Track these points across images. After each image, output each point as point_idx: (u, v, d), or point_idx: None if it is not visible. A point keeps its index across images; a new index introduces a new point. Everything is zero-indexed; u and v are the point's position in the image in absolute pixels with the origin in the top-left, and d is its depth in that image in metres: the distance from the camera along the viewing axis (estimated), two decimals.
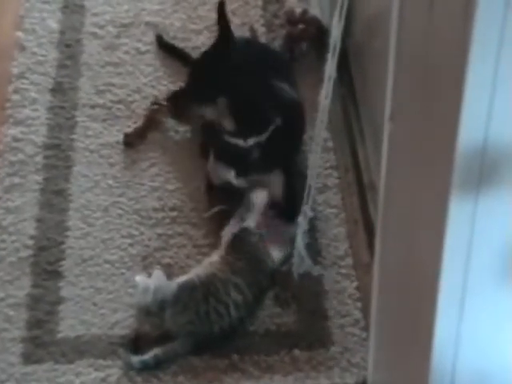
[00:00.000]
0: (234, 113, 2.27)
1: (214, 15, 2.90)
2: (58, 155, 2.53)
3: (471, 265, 1.28)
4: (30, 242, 2.32)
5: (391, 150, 1.59)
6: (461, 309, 1.33)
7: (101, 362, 2.09)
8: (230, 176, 2.35)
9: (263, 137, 2.29)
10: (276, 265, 2.20)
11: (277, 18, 2.90)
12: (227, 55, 2.25)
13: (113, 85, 2.71)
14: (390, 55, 1.52)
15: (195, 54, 2.71)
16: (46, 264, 2.28)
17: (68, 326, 2.16)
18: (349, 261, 2.29)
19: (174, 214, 2.39)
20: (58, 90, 2.70)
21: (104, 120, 2.63)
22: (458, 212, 1.23)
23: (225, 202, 2.36)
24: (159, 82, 2.72)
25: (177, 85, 2.66)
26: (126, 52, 2.81)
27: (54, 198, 2.43)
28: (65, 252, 2.31)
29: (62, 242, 2.33)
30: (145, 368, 2.05)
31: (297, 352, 2.11)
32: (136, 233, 2.35)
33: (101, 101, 2.67)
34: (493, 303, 1.34)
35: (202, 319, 2.07)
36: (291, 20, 2.80)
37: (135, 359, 2.05)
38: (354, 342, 2.13)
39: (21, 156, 2.52)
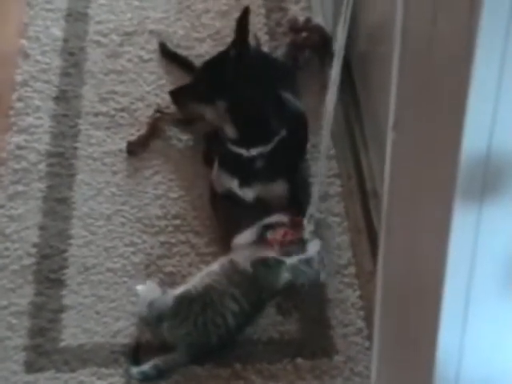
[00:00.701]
0: (235, 119, 2.27)
1: (217, 23, 2.93)
2: (61, 163, 2.53)
3: (475, 274, 1.28)
4: (33, 250, 2.32)
5: (394, 158, 1.59)
6: (464, 318, 1.33)
7: (103, 370, 2.09)
8: (234, 185, 2.34)
9: (267, 148, 2.29)
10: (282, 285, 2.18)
11: (280, 26, 2.91)
12: (237, 61, 2.25)
13: (116, 93, 2.72)
14: (394, 63, 1.51)
15: (198, 62, 2.71)
16: (49, 272, 2.28)
17: (70, 334, 2.16)
18: (352, 269, 2.28)
19: (177, 222, 2.39)
20: (61, 97, 2.70)
21: (107, 128, 2.63)
22: (462, 220, 1.23)
23: (228, 210, 2.36)
24: (162, 90, 2.72)
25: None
26: (130, 60, 2.82)
27: (57, 205, 2.43)
28: (67, 260, 2.31)
29: (65, 250, 2.33)
30: (145, 379, 2.04)
31: (300, 361, 2.11)
32: (139, 241, 2.35)
33: (104, 109, 2.67)
34: (496, 312, 1.33)
35: (200, 330, 2.06)
36: (294, 28, 2.81)
37: (135, 370, 2.05)
38: (356, 351, 2.13)
39: (24, 164, 2.52)
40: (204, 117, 2.38)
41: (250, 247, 2.19)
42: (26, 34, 2.89)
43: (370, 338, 2.10)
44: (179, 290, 2.13)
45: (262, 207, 2.33)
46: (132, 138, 2.59)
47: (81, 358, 2.12)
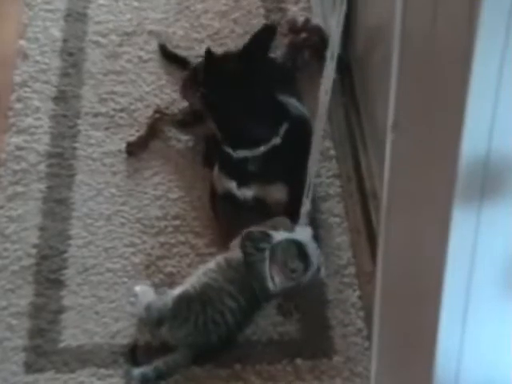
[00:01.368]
0: (216, 121, 2.28)
1: (216, 24, 2.92)
2: (60, 164, 2.53)
3: (474, 275, 1.28)
4: (33, 251, 2.32)
5: (394, 159, 1.59)
6: (464, 319, 1.33)
7: (103, 371, 2.09)
8: (232, 186, 2.34)
9: (256, 152, 2.27)
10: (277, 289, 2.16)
11: (279, 26, 2.90)
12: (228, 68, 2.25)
13: (115, 93, 2.72)
14: (393, 64, 1.51)
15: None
16: (49, 273, 2.28)
17: (70, 335, 2.16)
18: (351, 270, 2.29)
19: (177, 222, 2.39)
20: (60, 98, 2.70)
21: (106, 128, 2.63)
22: (461, 222, 1.23)
23: (228, 211, 2.36)
24: (162, 90, 2.72)
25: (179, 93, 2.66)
26: (129, 60, 2.82)
27: (57, 206, 2.43)
28: (67, 261, 2.31)
29: (65, 251, 2.33)
30: (145, 381, 2.04)
31: (299, 361, 2.11)
32: (138, 241, 2.35)
33: (103, 109, 2.67)
34: (496, 314, 1.33)
35: (200, 330, 2.06)
36: (294, 29, 2.80)
37: (136, 371, 2.05)
38: (356, 352, 2.13)
39: (23, 165, 2.52)
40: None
41: None
42: (25, 34, 2.88)
43: (369, 338, 2.10)
44: (177, 290, 2.13)
45: (261, 208, 2.33)
46: (131, 139, 2.59)
47: (80, 358, 2.12)
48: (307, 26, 2.80)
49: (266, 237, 2.13)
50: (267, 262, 2.11)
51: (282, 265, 2.11)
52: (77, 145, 2.58)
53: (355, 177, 2.46)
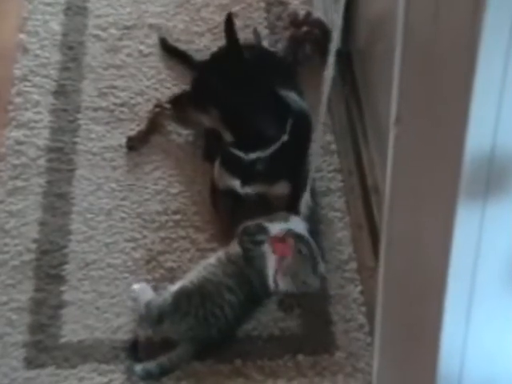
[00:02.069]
0: (229, 127, 2.24)
1: (217, 17, 2.91)
2: (60, 158, 2.52)
3: (478, 271, 1.27)
4: (33, 246, 2.31)
5: (396, 153, 1.58)
6: (467, 315, 1.32)
7: (104, 366, 2.08)
8: (236, 184, 2.32)
9: (267, 152, 2.26)
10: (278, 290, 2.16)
11: (280, 20, 2.89)
12: (229, 67, 2.22)
13: (116, 87, 2.71)
14: (396, 58, 1.50)
15: (198, 56, 2.70)
16: (49, 268, 2.27)
17: (71, 330, 2.15)
18: (353, 265, 2.28)
19: (177, 217, 2.38)
20: (60, 92, 2.69)
21: (107, 123, 2.62)
22: (465, 218, 1.22)
23: (229, 205, 2.35)
24: (162, 84, 2.71)
25: (180, 87, 2.65)
26: (129, 54, 2.81)
27: (57, 201, 2.42)
28: (68, 256, 2.30)
29: (65, 246, 2.32)
30: (148, 377, 2.03)
31: (301, 357, 2.10)
32: (139, 236, 2.34)
33: (104, 103, 2.66)
34: (500, 310, 1.33)
35: (201, 323, 2.06)
36: (295, 22, 2.79)
37: (138, 367, 2.04)
38: (358, 347, 2.12)
39: (23, 159, 2.51)
40: (202, 123, 2.37)
41: None
42: (24, 28, 2.87)
43: (371, 333, 2.10)
44: (177, 285, 2.12)
45: (263, 203, 2.32)
46: (132, 133, 2.58)
47: (81, 354, 2.11)
48: (308, 19, 2.78)
49: (262, 229, 2.14)
50: (266, 258, 2.11)
51: (293, 276, 2.10)
52: (77, 139, 2.57)
53: (356, 171, 2.45)
